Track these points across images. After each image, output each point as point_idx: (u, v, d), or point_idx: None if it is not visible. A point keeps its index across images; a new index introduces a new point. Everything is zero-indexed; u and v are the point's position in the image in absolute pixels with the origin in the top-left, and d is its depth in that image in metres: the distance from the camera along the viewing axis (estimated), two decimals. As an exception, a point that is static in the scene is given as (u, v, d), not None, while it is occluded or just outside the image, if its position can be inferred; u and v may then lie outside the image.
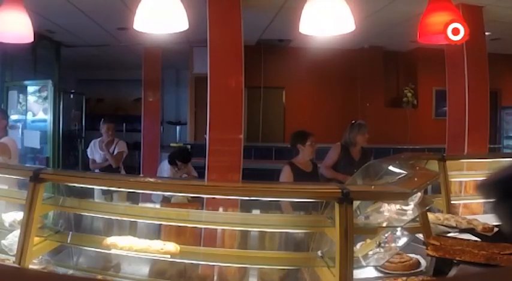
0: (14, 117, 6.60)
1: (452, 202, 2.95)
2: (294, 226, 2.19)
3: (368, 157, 4.16)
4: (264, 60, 7.57)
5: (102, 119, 5.18)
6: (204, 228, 2.37)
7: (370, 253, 2.07)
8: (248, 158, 5.36)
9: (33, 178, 2.05)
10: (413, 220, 2.15)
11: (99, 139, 5.08)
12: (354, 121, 4.39)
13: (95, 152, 5.08)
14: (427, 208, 2.28)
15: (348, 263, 1.73)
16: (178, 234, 2.32)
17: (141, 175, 6.70)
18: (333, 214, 1.89)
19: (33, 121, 6.73)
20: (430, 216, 2.47)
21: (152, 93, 7.50)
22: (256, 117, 7.70)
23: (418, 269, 2.15)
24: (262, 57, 7.53)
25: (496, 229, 2.56)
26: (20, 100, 6.79)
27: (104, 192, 3.15)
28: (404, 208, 2.06)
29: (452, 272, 1.99)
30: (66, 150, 7.68)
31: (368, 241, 2.12)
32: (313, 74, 7.59)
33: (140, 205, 2.50)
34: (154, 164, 6.60)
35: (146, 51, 7.38)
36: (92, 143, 5.16)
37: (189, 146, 7.10)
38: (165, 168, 4.83)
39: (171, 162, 4.72)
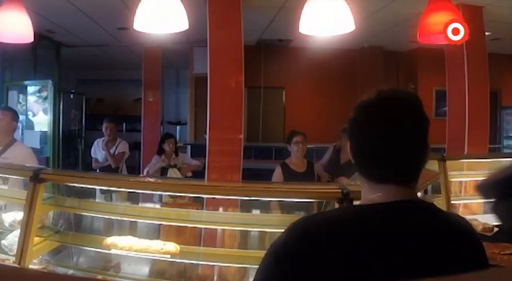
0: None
1: (452, 202, 2.95)
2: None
3: None
4: (264, 60, 7.57)
5: (104, 119, 5.20)
6: (204, 228, 2.37)
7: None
8: (248, 158, 5.35)
9: (33, 178, 2.05)
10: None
11: (102, 138, 5.09)
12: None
13: (98, 151, 5.09)
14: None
15: (348, 263, 1.73)
16: (178, 234, 2.32)
17: (141, 175, 6.69)
18: (333, 214, 1.89)
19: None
20: (430, 216, 2.46)
21: (152, 93, 7.49)
22: (256, 117, 7.69)
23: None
24: (262, 57, 7.53)
25: (496, 229, 2.56)
26: (20, 100, 6.79)
27: (103, 191, 3.15)
28: (404, 208, 2.06)
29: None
30: (66, 150, 7.68)
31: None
32: (313, 74, 7.58)
33: (140, 205, 2.50)
34: (154, 164, 6.60)
35: (146, 51, 7.37)
36: (95, 142, 5.17)
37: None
38: (152, 162, 4.83)
39: (158, 152, 4.77)
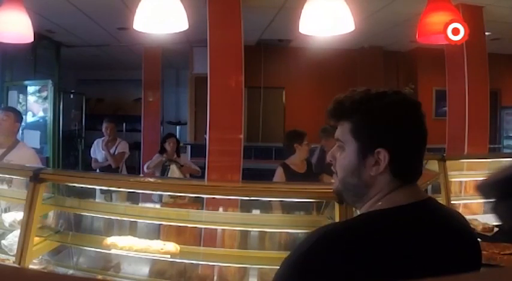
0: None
1: (452, 202, 2.95)
2: (294, 226, 2.19)
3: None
4: (264, 60, 7.56)
5: (104, 119, 5.21)
6: (204, 228, 2.37)
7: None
8: (248, 158, 5.35)
9: (33, 178, 2.05)
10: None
11: (102, 138, 5.09)
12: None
13: (97, 151, 5.09)
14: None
15: (348, 263, 1.73)
16: (178, 234, 2.32)
17: (141, 175, 6.70)
18: (333, 214, 1.89)
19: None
20: (430, 216, 2.46)
21: (152, 93, 7.49)
22: (256, 117, 7.69)
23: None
24: (262, 57, 7.52)
25: (496, 229, 2.56)
26: (20, 100, 6.79)
27: (103, 191, 3.15)
28: (404, 208, 2.06)
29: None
30: (66, 150, 7.67)
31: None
32: (313, 74, 7.59)
33: (140, 205, 2.50)
34: (154, 164, 6.59)
35: (146, 51, 7.37)
36: (95, 142, 5.17)
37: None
38: (153, 159, 4.90)
39: (160, 151, 4.85)
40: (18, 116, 3.42)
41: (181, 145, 5.32)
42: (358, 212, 1.00)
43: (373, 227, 0.88)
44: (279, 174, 3.71)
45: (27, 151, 3.39)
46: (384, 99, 0.93)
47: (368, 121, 0.93)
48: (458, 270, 0.54)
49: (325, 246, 0.85)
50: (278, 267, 0.89)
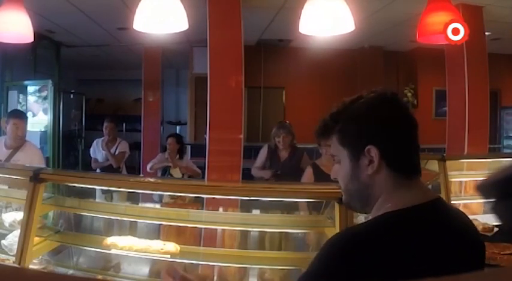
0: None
1: (452, 202, 2.94)
2: (294, 226, 2.19)
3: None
4: (264, 60, 7.56)
5: (105, 119, 5.21)
6: (204, 228, 2.37)
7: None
8: (248, 158, 5.35)
9: (33, 178, 2.05)
10: (413, 220, 2.14)
11: (102, 138, 5.09)
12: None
13: (97, 151, 5.09)
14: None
15: (348, 263, 1.73)
16: (178, 234, 2.32)
17: (141, 175, 6.69)
18: (333, 214, 1.89)
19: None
20: (430, 216, 2.46)
21: (152, 93, 7.49)
22: (256, 117, 7.69)
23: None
24: (262, 57, 7.52)
25: (496, 229, 2.56)
26: (20, 100, 6.78)
27: (104, 191, 3.15)
28: (404, 208, 2.06)
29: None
30: (66, 150, 7.67)
31: (368, 241, 2.12)
32: (313, 74, 7.58)
33: (140, 205, 2.50)
34: (154, 164, 6.59)
35: (146, 51, 7.37)
36: (94, 142, 5.17)
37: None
38: (157, 158, 4.97)
39: (164, 150, 4.97)
40: (27, 118, 3.57)
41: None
42: (370, 217, 0.99)
43: (387, 232, 0.88)
44: (308, 174, 3.62)
45: (34, 150, 3.47)
46: (359, 101, 0.97)
47: (350, 125, 0.96)
48: (463, 272, 0.55)
49: (342, 255, 0.85)
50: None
